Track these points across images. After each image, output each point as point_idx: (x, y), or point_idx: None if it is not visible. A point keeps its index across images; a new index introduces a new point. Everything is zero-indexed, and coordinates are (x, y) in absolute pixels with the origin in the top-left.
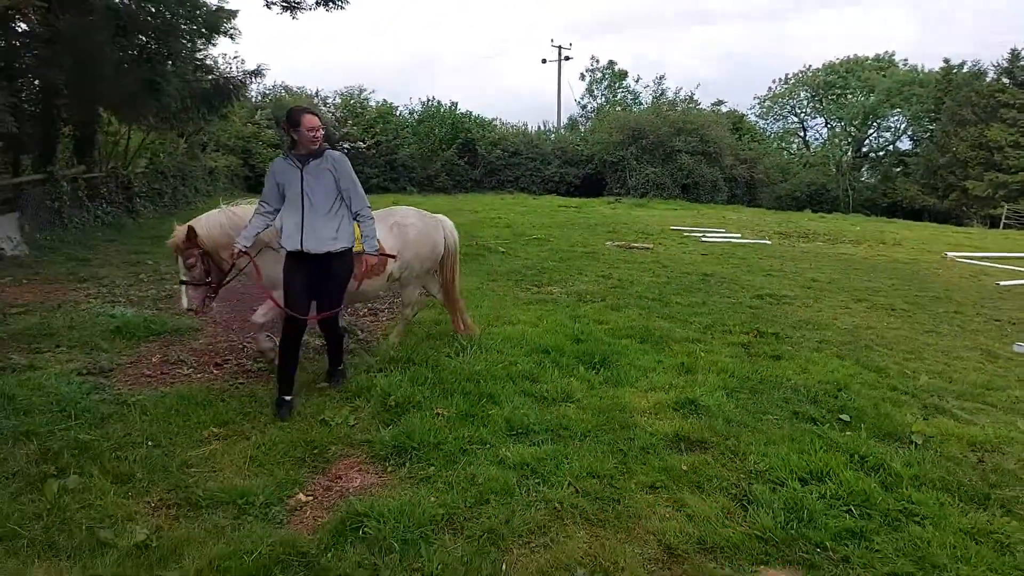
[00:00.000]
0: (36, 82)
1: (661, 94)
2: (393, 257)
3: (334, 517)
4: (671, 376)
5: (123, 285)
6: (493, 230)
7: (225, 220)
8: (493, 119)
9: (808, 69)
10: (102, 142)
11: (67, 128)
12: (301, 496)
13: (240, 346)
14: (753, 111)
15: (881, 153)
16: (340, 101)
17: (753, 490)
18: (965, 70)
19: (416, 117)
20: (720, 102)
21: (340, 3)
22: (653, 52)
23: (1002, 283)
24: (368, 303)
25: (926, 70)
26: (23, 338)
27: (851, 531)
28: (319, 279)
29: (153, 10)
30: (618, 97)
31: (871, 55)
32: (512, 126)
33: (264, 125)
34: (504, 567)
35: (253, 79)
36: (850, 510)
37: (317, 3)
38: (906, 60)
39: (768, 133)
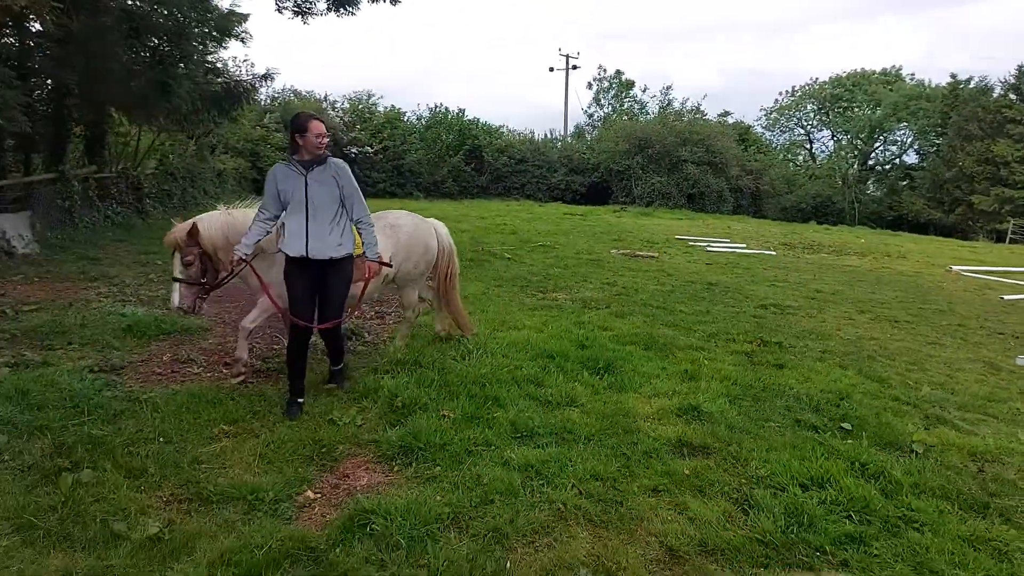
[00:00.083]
0: (48, 82)
1: (668, 104)
2: (389, 266)
3: (342, 514)
4: (674, 383)
5: (133, 285)
6: (499, 236)
7: (225, 222)
8: (500, 126)
9: (815, 82)
10: (112, 143)
11: (78, 128)
12: (309, 493)
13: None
14: (759, 123)
15: (887, 166)
16: (348, 106)
17: (754, 495)
18: (972, 85)
19: (424, 123)
20: (726, 113)
21: (351, 9)
22: (661, 62)
23: (1006, 297)
24: (372, 305)
25: (933, 85)
26: (36, 335)
27: (850, 536)
28: (322, 285)
29: (166, 12)
30: (625, 106)
31: (878, 69)
32: (519, 133)
33: (273, 128)
34: (508, 565)
35: (263, 83)
36: (850, 516)
37: (328, 9)
38: (913, 75)
39: (774, 145)
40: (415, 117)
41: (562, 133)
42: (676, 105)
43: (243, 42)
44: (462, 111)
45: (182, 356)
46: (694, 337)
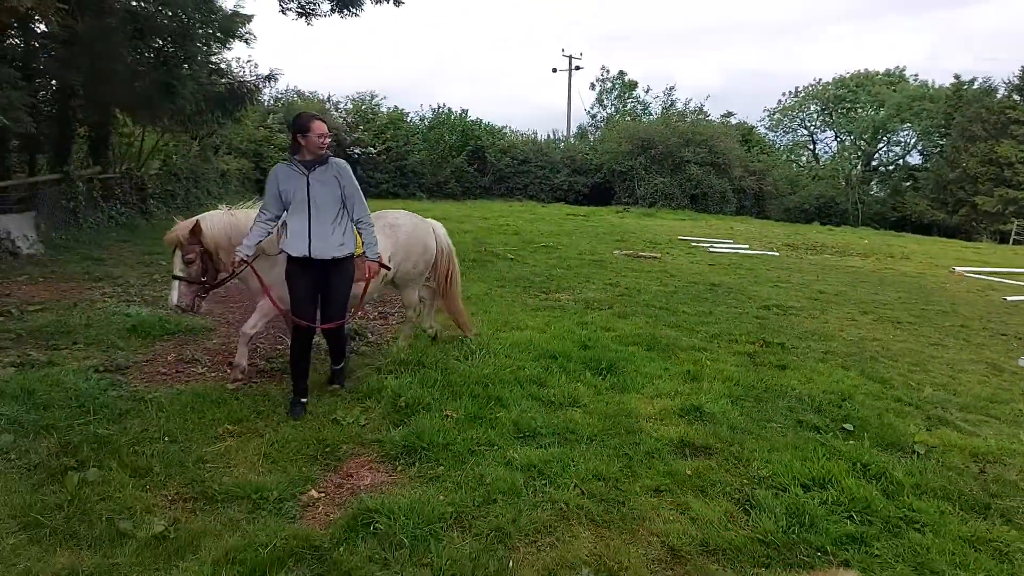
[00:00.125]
0: (53, 83)
1: (671, 105)
2: (388, 268)
3: (346, 513)
4: (677, 383)
5: (137, 285)
6: (502, 237)
7: (228, 222)
8: (503, 127)
9: (818, 83)
10: (116, 143)
11: (82, 129)
12: (313, 492)
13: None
14: (763, 123)
15: (891, 167)
16: (352, 106)
17: (756, 495)
18: (976, 86)
19: (427, 124)
20: (730, 114)
21: (354, 10)
22: (664, 63)
23: (1009, 298)
24: (375, 306)
25: (936, 86)
26: (41, 335)
27: (851, 536)
28: (325, 285)
29: (170, 14)
30: (628, 107)
31: (882, 70)
32: (522, 134)
33: (276, 129)
34: (511, 564)
35: (267, 83)
36: (851, 516)
37: (332, 10)
38: (916, 75)
39: (778, 145)
40: (418, 118)
41: (565, 134)
42: (679, 106)
43: (247, 43)
44: (465, 112)
45: (186, 356)
46: (697, 338)
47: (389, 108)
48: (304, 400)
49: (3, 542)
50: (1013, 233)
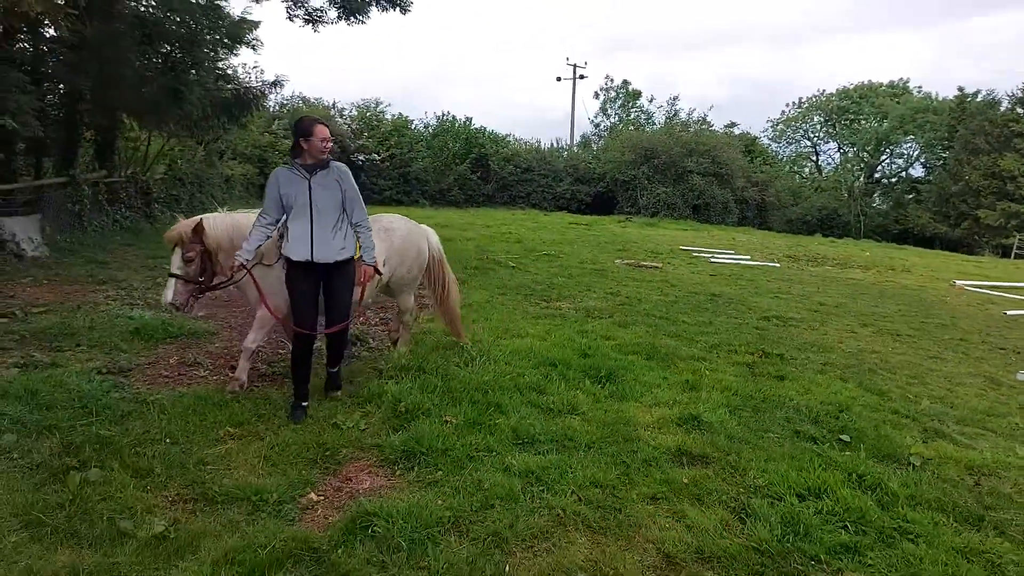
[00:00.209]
0: (61, 87)
1: (674, 115)
2: (380, 273)
3: (344, 516)
4: (675, 392)
5: (141, 288)
6: (504, 245)
7: (231, 224)
8: (507, 135)
9: (822, 94)
10: (122, 148)
11: (89, 133)
12: (313, 495)
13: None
14: (766, 134)
15: (893, 180)
16: (356, 113)
17: (752, 504)
18: (979, 99)
19: (431, 131)
20: (733, 124)
21: (361, 18)
22: (667, 73)
23: (1009, 312)
24: (376, 311)
25: (940, 98)
26: (44, 336)
27: (845, 546)
28: (327, 289)
29: (178, 20)
30: (631, 116)
31: (885, 82)
32: (525, 142)
33: (281, 135)
34: (507, 569)
35: (272, 89)
36: (846, 526)
37: (339, 17)
38: (920, 87)
39: (780, 156)
40: (422, 125)
41: (568, 142)
42: (682, 116)
43: (254, 49)
44: (469, 119)
45: (189, 359)
46: (696, 348)
47: (394, 115)
48: (305, 404)
49: (5, 540)
50: (1015, 247)
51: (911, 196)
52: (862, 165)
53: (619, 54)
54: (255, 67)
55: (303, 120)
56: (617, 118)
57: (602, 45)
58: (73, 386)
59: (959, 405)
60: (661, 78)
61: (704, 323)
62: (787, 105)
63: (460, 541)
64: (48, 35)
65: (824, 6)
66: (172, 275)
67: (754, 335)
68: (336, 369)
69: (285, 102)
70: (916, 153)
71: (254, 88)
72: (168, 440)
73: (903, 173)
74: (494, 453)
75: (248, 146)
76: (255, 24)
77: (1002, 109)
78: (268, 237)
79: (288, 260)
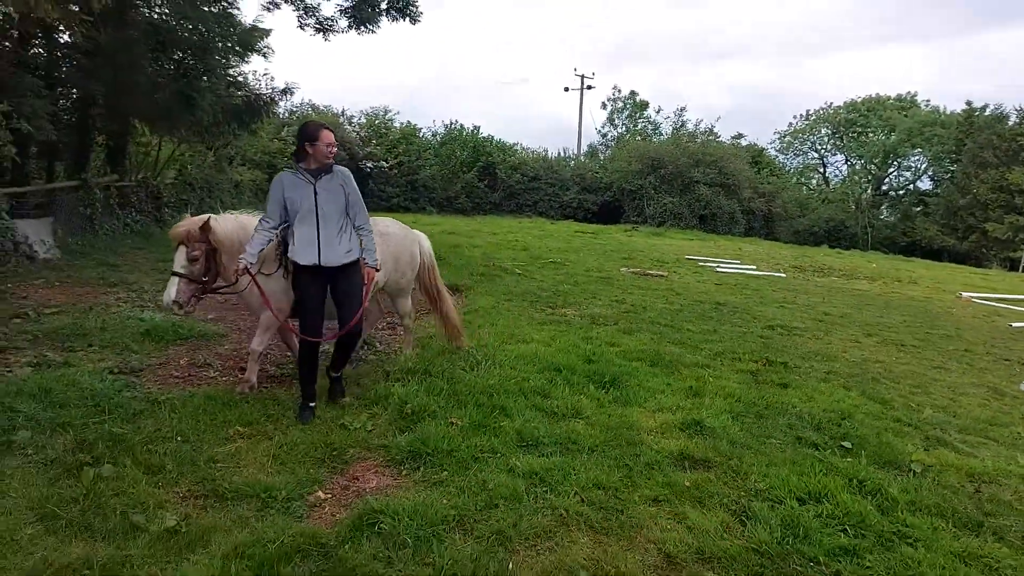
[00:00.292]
0: (75, 92)
1: (681, 125)
2: (377, 270)
3: (351, 513)
4: (679, 398)
5: (151, 291)
6: (510, 252)
7: (237, 224)
8: (514, 144)
9: (829, 106)
10: (133, 152)
11: (101, 137)
12: (320, 493)
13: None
14: (773, 146)
15: (901, 192)
16: (365, 121)
17: (752, 507)
18: (987, 113)
19: (439, 139)
20: (740, 135)
21: (371, 27)
22: (675, 84)
23: (1015, 324)
24: (384, 316)
25: (948, 111)
26: (57, 337)
27: (844, 549)
28: (336, 291)
29: (191, 27)
30: (639, 127)
31: (893, 95)
32: (532, 151)
33: (290, 142)
34: (511, 566)
35: (283, 97)
36: (845, 530)
37: (349, 26)
38: (928, 101)
39: (788, 168)
40: (430, 133)
41: (576, 152)
42: (690, 126)
43: (265, 57)
44: (477, 128)
45: (199, 360)
46: (700, 355)
47: (402, 123)
48: (312, 404)
49: (21, 532)
50: (1023, 260)
51: (919, 209)
52: (870, 177)
53: (627, 65)
54: (266, 74)
55: (308, 125)
56: (624, 128)
57: (610, 56)
58: (86, 385)
59: (962, 414)
60: (668, 89)
61: (709, 331)
62: (794, 117)
63: (464, 539)
64: (63, 41)
65: (832, 20)
66: (175, 273)
67: (758, 343)
68: (338, 374)
69: (295, 109)
70: (924, 166)
71: (264, 95)
72: (179, 438)
73: (911, 186)
74: (498, 455)
75: (257, 152)
76: (266, 32)
77: (1010, 123)
78: (270, 241)
79: (295, 264)
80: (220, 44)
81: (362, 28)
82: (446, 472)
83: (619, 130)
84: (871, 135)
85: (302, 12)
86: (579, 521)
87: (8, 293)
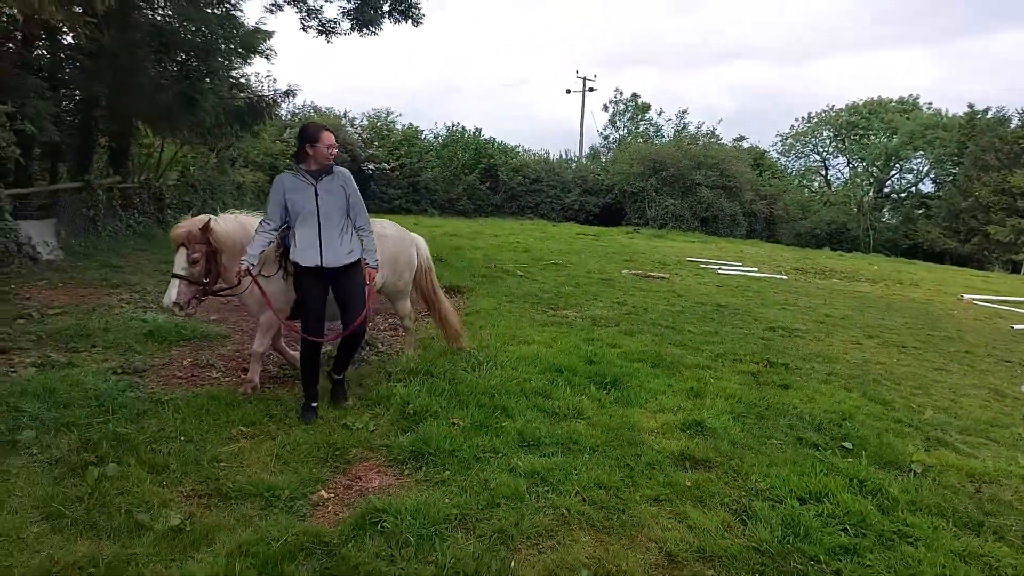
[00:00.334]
0: (77, 93)
1: (683, 128)
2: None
3: (354, 512)
4: (680, 399)
5: (154, 292)
6: (512, 254)
7: (237, 224)
8: (516, 146)
9: (831, 109)
10: (136, 154)
11: (104, 139)
12: (323, 493)
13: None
14: (775, 148)
15: (903, 195)
16: (367, 123)
17: (753, 506)
18: (989, 116)
19: (440, 141)
20: (741, 138)
21: (374, 30)
22: (677, 86)
23: (1016, 326)
24: (385, 317)
25: (950, 114)
26: (60, 338)
27: (845, 547)
28: (338, 292)
29: (194, 29)
30: (640, 129)
31: (895, 97)
32: (534, 154)
33: (292, 144)
34: (512, 564)
35: (285, 99)
36: (845, 529)
37: (352, 28)
38: (930, 104)
39: (790, 170)
40: (432, 135)
41: (577, 154)
42: (691, 129)
43: (267, 59)
44: (479, 130)
45: (202, 361)
46: (701, 356)
47: (404, 125)
48: (315, 405)
49: (28, 530)
50: None
51: (921, 211)
52: (871, 180)
53: (628, 67)
54: (268, 76)
55: (309, 126)
56: (626, 130)
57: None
58: (89, 385)
59: (963, 415)
60: (670, 91)
61: (710, 333)
62: (796, 120)
63: (467, 537)
64: (66, 42)
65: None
66: (176, 275)
67: (759, 345)
68: (341, 377)
69: (297, 111)
70: (926, 169)
71: (267, 97)
72: (183, 438)
73: (913, 188)
74: (500, 454)
75: (260, 154)
76: (269, 34)
77: (1012, 126)
78: (271, 242)
79: (297, 266)
80: (223, 46)
81: (364, 30)
82: (448, 472)
83: (621, 132)
84: (873, 137)
85: (305, 14)
86: (580, 520)
87: (12, 294)
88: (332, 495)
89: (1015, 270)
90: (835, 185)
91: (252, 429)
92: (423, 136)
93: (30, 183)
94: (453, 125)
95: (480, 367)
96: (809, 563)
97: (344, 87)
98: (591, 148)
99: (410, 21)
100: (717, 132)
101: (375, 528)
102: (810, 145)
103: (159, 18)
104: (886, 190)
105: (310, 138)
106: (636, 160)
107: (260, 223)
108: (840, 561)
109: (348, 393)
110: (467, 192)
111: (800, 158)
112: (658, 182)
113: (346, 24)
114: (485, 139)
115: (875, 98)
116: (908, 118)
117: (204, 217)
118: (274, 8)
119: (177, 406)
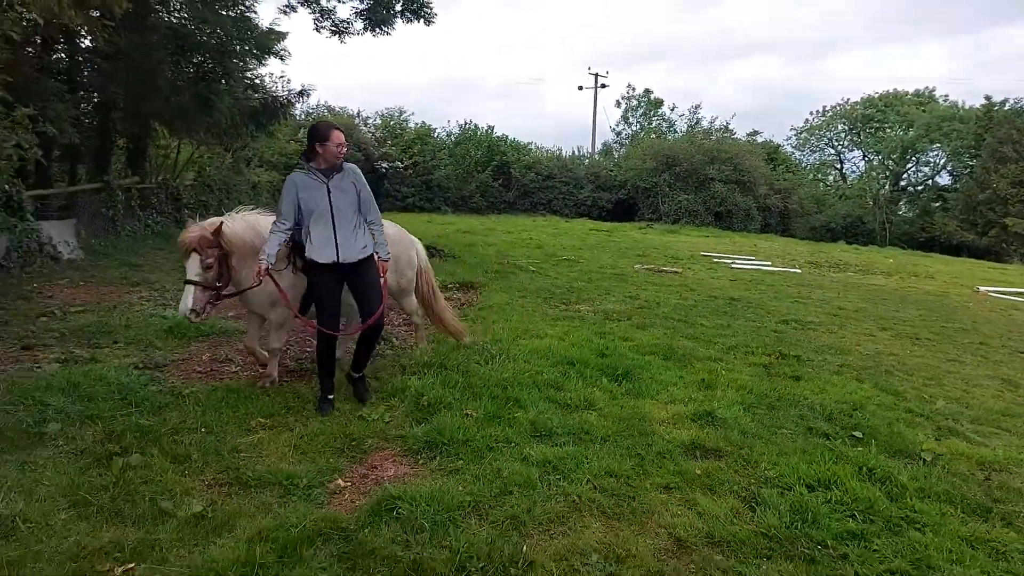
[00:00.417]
0: (96, 96)
1: (696, 123)
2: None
3: (370, 500)
4: (691, 390)
5: (173, 290)
6: (524, 250)
7: (247, 225)
8: (528, 143)
9: (846, 102)
10: (153, 155)
11: (121, 140)
12: (340, 481)
13: (284, 347)
14: (789, 142)
15: (919, 188)
16: (380, 122)
17: (762, 493)
18: (1007, 108)
19: (453, 139)
20: (755, 132)
21: (386, 29)
22: (690, 82)
23: None
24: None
25: (966, 107)
26: (83, 334)
27: (852, 533)
28: (354, 287)
29: (209, 31)
30: (653, 125)
31: (911, 90)
32: (547, 150)
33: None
34: (525, 549)
35: (299, 99)
36: (853, 515)
37: (365, 28)
38: (947, 96)
39: (804, 164)
40: (445, 133)
41: (590, 150)
42: (705, 124)
43: (281, 59)
44: (491, 128)
45: (220, 356)
46: (713, 349)
47: (417, 124)
48: (331, 397)
49: (55, 517)
50: None
51: (937, 204)
52: (887, 173)
53: (641, 63)
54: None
55: (319, 125)
56: (639, 126)
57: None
58: (112, 380)
59: (975, 405)
60: (683, 87)
61: (722, 326)
62: (811, 113)
63: (480, 524)
64: (84, 45)
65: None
66: (190, 282)
67: (772, 338)
68: (360, 375)
69: (311, 111)
70: (943, 161)
71: (281, 97)
72: (203, 429)
73: (929, 181)
74: (513, 444)
75: (275, 154)
76: (283, 35)
77: None
78: (285, 242)
79: (312, 263)
80: (238, 47)
81: (377, 30)
82: (462, 461)
83: (633, 128)
84: (889, 130)
85: (318, 15)
86: (591, 507)
87: (34, 293)
88: (349, 483)
89: None
90: (850, 179)
91: (270, 420)
92: (436, 134)
93: (50, 184)
94: (466, 123)
95: (493, 360)
96: (816, 548)
97: (358, 86)
98: (604, 144)
99: (422, 20)
100: (731, 127)
101: (391, 514)
102: (825, 139)
103: (175, 21)
104: (902, 183)
105: (320, 137)
106: (649, 155)
107: (274, 223)
108: (847, 546)
109: (367, 391)
110: (480, 189)
111: (815, 152)
112: (671, 177)
113: (359, 24)
114: (498, 136)
115: (891, 91)
116: (924, 111)
117: (215, 221)
118: (288, 9)
119: (197, 399)
